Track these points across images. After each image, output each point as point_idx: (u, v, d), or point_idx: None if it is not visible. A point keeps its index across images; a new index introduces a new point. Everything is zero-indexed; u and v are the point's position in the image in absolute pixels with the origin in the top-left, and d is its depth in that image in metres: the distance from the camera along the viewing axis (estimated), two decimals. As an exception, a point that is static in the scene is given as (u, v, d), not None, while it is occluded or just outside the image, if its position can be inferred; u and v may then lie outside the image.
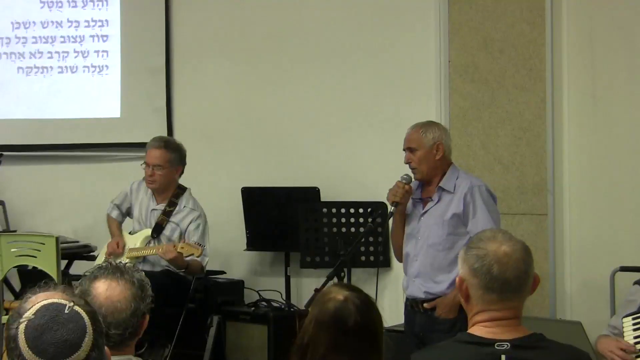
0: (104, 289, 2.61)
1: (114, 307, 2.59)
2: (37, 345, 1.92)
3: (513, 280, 2.59)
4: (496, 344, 2.58)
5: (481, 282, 2.60)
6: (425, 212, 4.69)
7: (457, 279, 2.68)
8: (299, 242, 5.62)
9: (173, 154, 5.87)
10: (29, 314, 1.95)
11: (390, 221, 4.83)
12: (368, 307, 2.58)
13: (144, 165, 5.87)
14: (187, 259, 5.62)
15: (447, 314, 4.56)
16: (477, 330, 2.63)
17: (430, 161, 4.65)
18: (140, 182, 6.04)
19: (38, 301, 1.99)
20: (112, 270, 2.66)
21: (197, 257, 5.60)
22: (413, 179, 4.71)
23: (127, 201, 6.09)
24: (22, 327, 1.93)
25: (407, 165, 4.74)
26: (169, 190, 5.92)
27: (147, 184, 5.92)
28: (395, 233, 4.85)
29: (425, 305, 4.65)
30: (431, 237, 4.65)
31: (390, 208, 4.74)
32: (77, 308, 1.98)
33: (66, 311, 1.96)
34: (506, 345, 2.57)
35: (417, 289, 4.68)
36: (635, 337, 3.73)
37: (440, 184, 4.66)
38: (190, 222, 5.82)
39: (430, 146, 4.66)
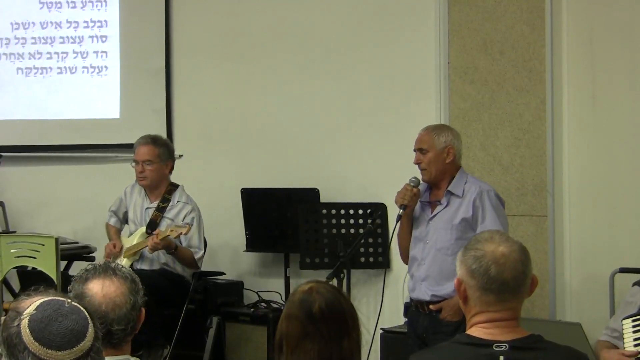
0: (100, 288, 2.62)
1: (113, 303, 2.60)
2: (43, 337, 1.94)
3: (511, 281, 2.59)
4: (494, 345, 2.58)
5: (479, 283, 2.60)
6: (434, 216, 4.68)
7: (455, 281, 2.68)
8: (298, 243, 5.61)
9: (161, 149, 5.88)
10: (29, 309, 1.97)
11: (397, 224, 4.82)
12: (333, 293, 2.63)
13: (133, 164, 5.87)
14: (179, 243, 5.67)
15: (452, 316, 4.55)
16: (476, 331, 2.62)
17: (440, 164, 4.65)
18: (133, 185, 6.05)
19: (35, 300, 2.00)
20: (102, 269, 2.67)
21: (185, 234, 5.60)
22: (421, 181, 4.70)
23: (122, 206, 6.09)
24: (24, 322, 1.95)
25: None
26: (162, 188, 5.92)
27: (138, 182, 5.93)
28: (402, 236, 4.83)
29: (431, 306, 4.64)
30: (439, 242, 4.63)
31: (399, 211, 4.72)
32: (74, 303, 2.03)
33: (66, 305, 2.00)
34: (504, 346, 2.57)
35: (424, 293, 4.67)
36: (635, 340, 3.72)
37: (449, 188, 4.65)
38: (185, 216, 5.82)
39: (442, 149, 4.65)
